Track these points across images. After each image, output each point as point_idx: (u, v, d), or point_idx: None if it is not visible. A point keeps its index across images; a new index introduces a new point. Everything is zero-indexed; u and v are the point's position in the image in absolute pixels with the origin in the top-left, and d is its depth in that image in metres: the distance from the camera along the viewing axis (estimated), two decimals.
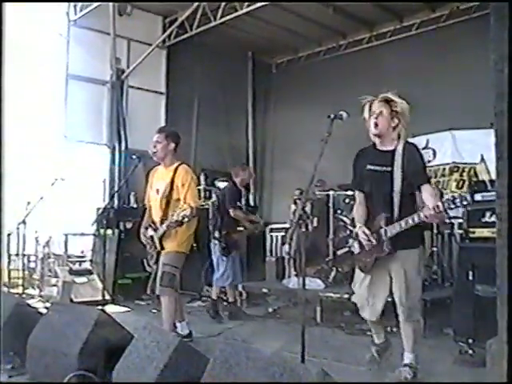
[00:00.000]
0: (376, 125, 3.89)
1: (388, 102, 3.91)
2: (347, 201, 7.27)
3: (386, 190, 3.88)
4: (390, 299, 4.00)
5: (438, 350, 4.81)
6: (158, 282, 4.92)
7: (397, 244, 3.82)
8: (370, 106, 3.95)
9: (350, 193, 6.98)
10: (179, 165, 5.05)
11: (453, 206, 3.48)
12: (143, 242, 5.15)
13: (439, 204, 3.52)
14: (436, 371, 4.21)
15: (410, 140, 10.71)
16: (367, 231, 3.92)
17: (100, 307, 5.23)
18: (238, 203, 6.75)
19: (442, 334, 5.24)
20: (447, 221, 7.49)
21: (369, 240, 3.89)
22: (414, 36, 10.92)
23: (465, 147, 9.55)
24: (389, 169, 3.87)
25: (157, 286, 4.99)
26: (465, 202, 3.46)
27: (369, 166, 3.99)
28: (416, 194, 3.90)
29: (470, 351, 4.34)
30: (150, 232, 5.03)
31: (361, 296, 4.09)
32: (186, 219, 4.65)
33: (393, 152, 3.90)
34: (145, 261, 5.17)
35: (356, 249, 4.08)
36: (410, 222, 3.70)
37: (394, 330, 5.36)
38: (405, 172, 3.82)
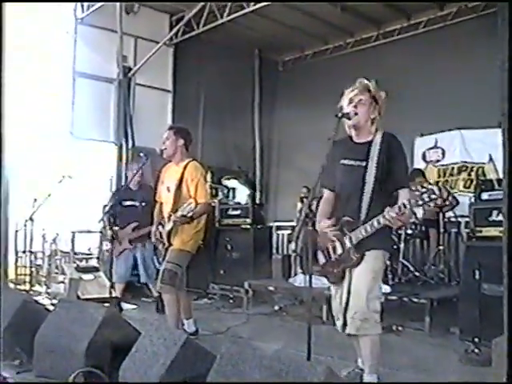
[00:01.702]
0: (355, 114, 3.44)
1: (369, 89, 3.50)
2: None
3: (356, 188, 3.43)
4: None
5: (444, 348, 4.81)
6: (158, 278, 4.92)
7: (361, 246, 3.39)
8: (349, 93, 3.54)
9: None
10: (189, 161, 5.06)
11: (421, 203, 3.03)
12: (152, 240, 5.15)
13: (405, 202, 3.13)
14: (441, 370, 4.21)
15: (419, 140, 10.74)
16: (328, 221, 3.51)
17: (106, 304, 5.26)
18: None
19: (448, 333, 5.24)
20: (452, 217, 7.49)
21: (333, 229, 3.46)
22: (422, 34, 10.90)
23: (473, 146, 9.53)
24: (363, 163, 3.43)
25: (157, 282, 4.98)
26: (433, 196, 3.00)
27: (342, 161, 3.54)
28: (393, 195, 3.43)
29: (476, 350, 4.34)
30: (160, 229, 5.05)
31: (335, 309, 3.64)
32: (191, 213, 4.65)
33: (369, 144, 3.46)
34: (155, 258, 5.18)
35: (321, 259, 3.61)
36: (376, 224, 3.28)
37: (400, 328, 5.42)
38: (380, 168, 3.38)
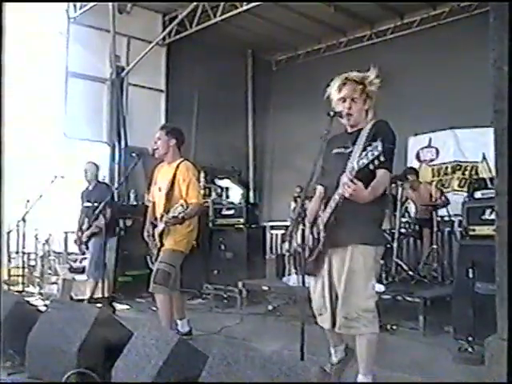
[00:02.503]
0: (349, 115, 3.35)
1: (362, 82, 3.37)
2: None
3: (339, 172, 3.21)
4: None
5: (438, 347, 4.80)
6: (151, 279, 4.89)
7: (341, 237, 3.26)
8: (340, 89, 3.40)
9: None
10: (181, 162, 5.03)
11: (366, 161, 2.90)
12: (145, 239, 5.13)
13: (353, 164, 2.98)
14: (435, 369, 4.20)
15: (413, 139, 10.74)
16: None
17: (99, 305, 5.23)
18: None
19: (442, 332, 5.24)
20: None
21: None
22: (415, 33, 10.95)
23: (467, 146, 9.57)
24: (350, 149, 3.28)
25: (150, 283, 4.95)
26: (376, 153, 2.85)
27: (333, 151, 3.46)
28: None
29: (470, 349, 4.34)
30: (153, 229, 5.03)
31: (315, 303, 3.53)
32: (182, 214, 4.61)
33: (359, 131, 3.33)
34: (148, 258, 5.16)
35: (307, 252, 3.41)
36: (337, 197, 3.15)
37: (394, 327, 5.42)
38: (366, 150, 3.14)
